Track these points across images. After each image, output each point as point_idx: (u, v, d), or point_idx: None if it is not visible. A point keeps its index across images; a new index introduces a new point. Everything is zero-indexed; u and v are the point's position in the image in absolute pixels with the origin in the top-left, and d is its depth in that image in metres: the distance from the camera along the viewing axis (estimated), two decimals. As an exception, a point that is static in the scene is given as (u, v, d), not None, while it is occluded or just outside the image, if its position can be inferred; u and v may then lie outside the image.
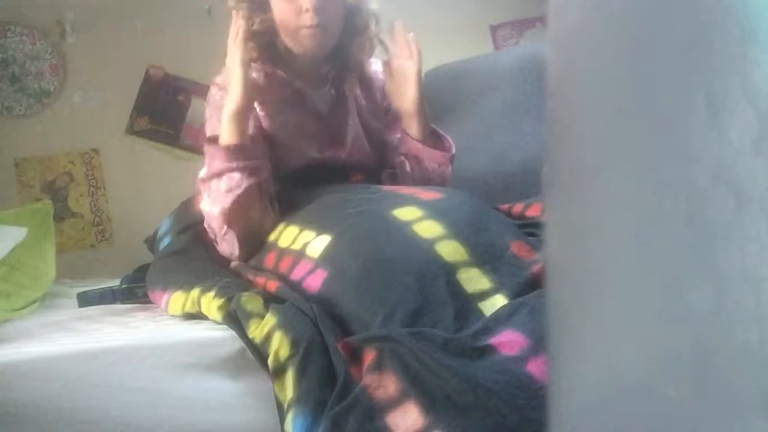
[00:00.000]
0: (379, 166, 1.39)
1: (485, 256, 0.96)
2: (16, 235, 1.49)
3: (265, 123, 1.26)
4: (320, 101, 1.32)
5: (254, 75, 1.28)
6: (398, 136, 1.35)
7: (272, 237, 1.17)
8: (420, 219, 1.02)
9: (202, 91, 2.12)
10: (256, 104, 1.26)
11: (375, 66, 1.39)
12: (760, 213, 0.26)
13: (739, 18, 0.27)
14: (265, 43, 1.27)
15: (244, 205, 1.16)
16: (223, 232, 1.19)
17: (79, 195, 2.15)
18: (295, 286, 1.02)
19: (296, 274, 1.04)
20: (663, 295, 0.31)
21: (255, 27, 1.24)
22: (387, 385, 0.76)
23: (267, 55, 1.28)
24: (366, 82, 1.38)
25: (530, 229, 1.09)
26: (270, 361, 0.86)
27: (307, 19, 1.19)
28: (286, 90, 1.29)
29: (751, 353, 0.26)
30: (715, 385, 0.28)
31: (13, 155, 2.11)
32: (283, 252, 1.12)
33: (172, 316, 1.16)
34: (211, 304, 1.02)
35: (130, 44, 2.14)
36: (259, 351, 0.90)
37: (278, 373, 0.85)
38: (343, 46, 1.29)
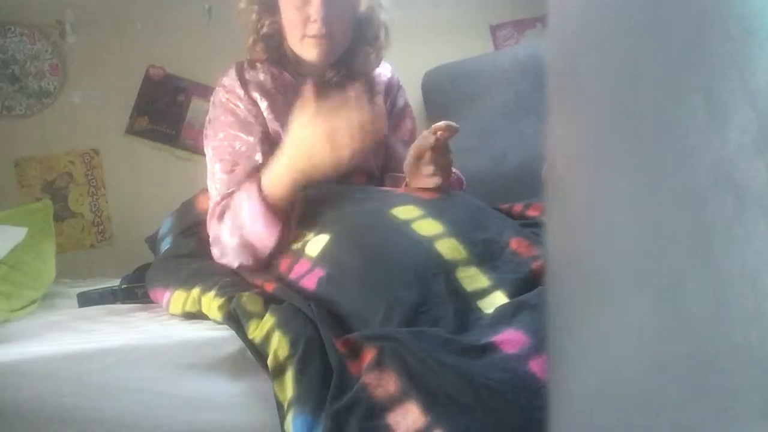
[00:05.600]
0: (382, 169, 1.38)
1: (484, 254, 0.96)
2: (16, 235, 1.48)
3: (272, 125, 1.25)
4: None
5: (261, 77, 1.28)
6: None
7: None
8: (419, 217, 1.02)
9: (202, 91, 2.13)
10: (263, 107, 1.26)
11: (378, 69, 1.38)
12: (760, 213, 0.26)
13: (739, 18, 0.27)
14: (273, 45, 1.27)
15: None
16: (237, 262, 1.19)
17: (79, 195, 2.15)
18: (294, 285, 1.02)
19: (295, 273, 1.04)
20: (663, 295, 0.31)
21: (264, 30, 1.24)
22: (387, 383, 0.76)
23: (274, 57, 1.28)
24: (369, 86, 1.38)
25: (530, 229, 1.09)
26: (269, 361, 0.86)
27: (314, 28, 1.19)
28: (291, 92, 1.29)
29: (751, 353, 0.26)
30: (715, 386, 0.28)
31: (13, 155, 2.11)
32: (282, 252, 1.13)
33: (172, 315, 1.17)
34: (211, 303, 1.02)
35: (130, 44, 2.14)
36: (258, 351, 0.90)
37: (278, 372, 0.85)
38: (350, 54, 1.29)
